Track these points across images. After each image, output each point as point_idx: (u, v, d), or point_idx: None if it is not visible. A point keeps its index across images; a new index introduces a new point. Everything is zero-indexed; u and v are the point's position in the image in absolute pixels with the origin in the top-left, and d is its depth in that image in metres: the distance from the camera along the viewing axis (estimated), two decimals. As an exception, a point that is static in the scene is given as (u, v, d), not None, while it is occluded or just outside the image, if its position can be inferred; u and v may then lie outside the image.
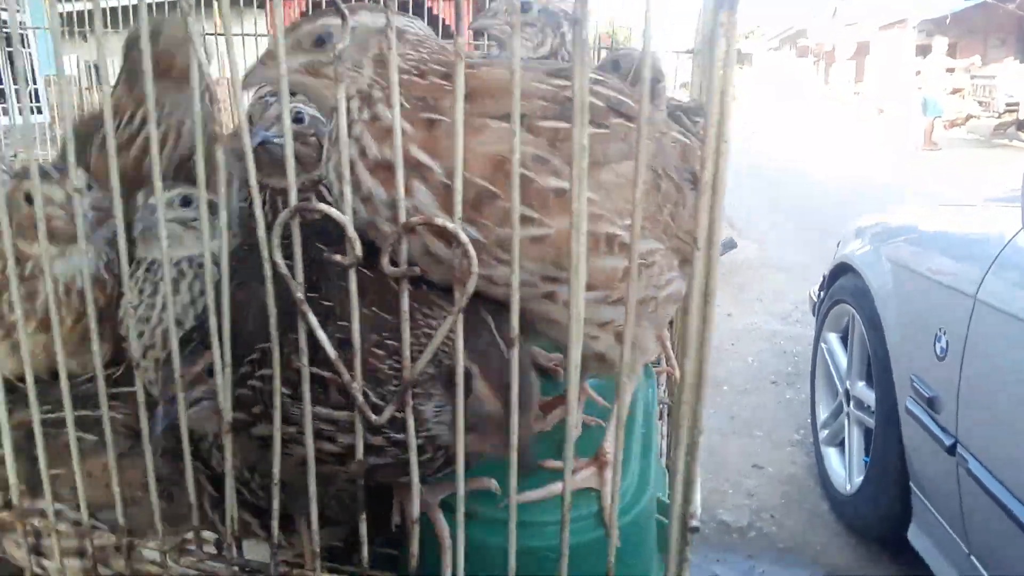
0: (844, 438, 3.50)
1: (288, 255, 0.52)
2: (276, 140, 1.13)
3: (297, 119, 1.20)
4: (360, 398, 0.57)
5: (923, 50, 20.83)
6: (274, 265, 0.53)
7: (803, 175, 12.65)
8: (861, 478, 3.22)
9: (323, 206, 0.51)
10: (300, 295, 0.55)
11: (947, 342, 2.66)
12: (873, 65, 25.75)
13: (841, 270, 3.75)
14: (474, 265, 0.50)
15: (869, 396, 3.25)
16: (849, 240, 3.83)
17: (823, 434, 3.71)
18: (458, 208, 0.50)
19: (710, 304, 0.47)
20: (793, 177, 12.40)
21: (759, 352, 5.34)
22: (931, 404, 2.69)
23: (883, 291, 3.21)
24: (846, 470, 3.41)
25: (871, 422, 3.20)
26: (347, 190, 0.52)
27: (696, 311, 0.49)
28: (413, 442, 0.56)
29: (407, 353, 0.54)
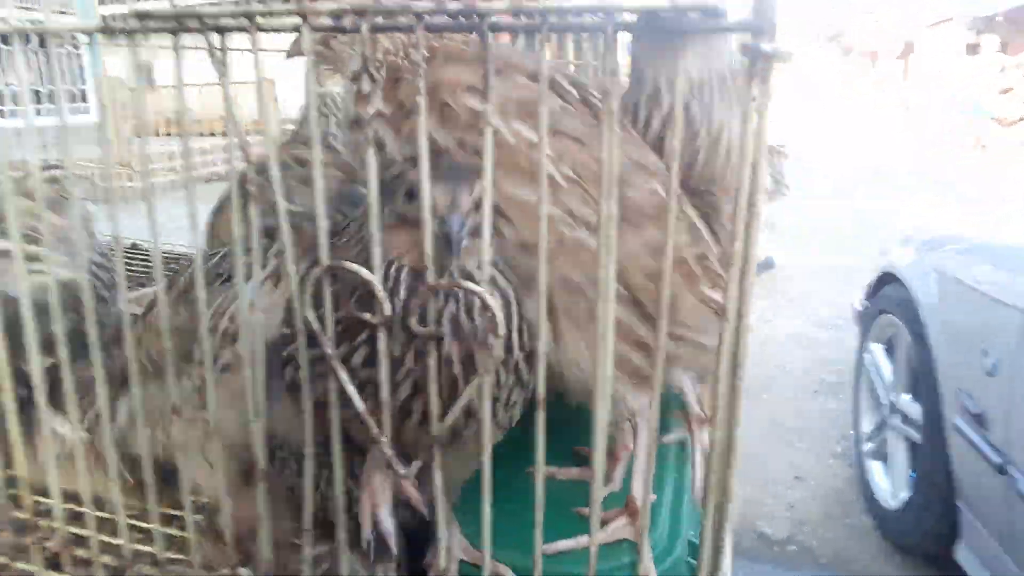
0: (888, 451, 3.42)
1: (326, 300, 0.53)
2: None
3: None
4: (389, 452, 0.57)
5: (972, 49, 20.29)
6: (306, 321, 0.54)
7: (846, 177, 12.41)
8: (906, 493, 3.14)
9: (353, 266, 0.52)
10: (330, 351, 0.55)
11: (997, 357, 2.58)
12: (919, 64, 25.16)
13: (885, 279, 3.67)
14: (500, 329, 0.50)
15: (914, 409, 3.17)
16: (894, 248, 3.74)
17: (866, 447, 3.63)
18: (486, 273, 0.50)
19: (739, 376, 0.46)
20: (836, 179, 12.18)
21: (801, 359, 5.25)
22: (979, 421, 2.62)
23: (929, 302, 3.13)
24: (891, 484, 3.34)
25: (916, 436, 3.12)
26: (377, 251, 0.52)
27: (725, 380, 0.48)
28: (441, 496, 0.56)
29: (435, 411, 0.54)
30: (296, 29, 0.50)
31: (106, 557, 0.85)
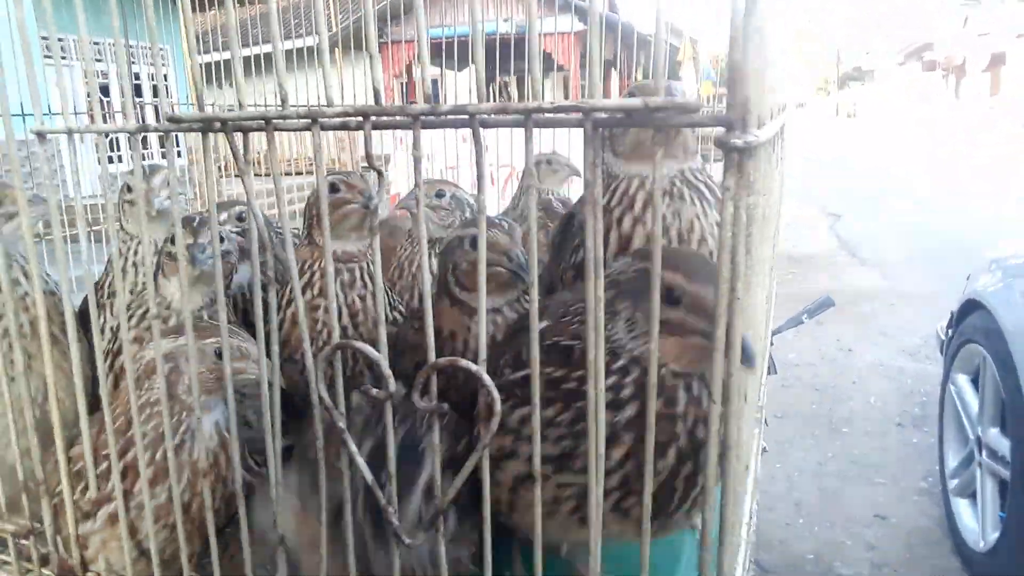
0: (976, 489, 3.24)
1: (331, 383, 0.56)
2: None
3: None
4: (396, 522, 0.59)
5: (1068, 58, 19.24)
6: (320, 398, 0.57)
7: (933, 197, 11.92)
8: (996, 534, 2.96)
9: (360, 344, 0.55)
10: (341, 424, 0.58)
11: (1091, 390, 2.43)
12: (1009, 76, 24.02)
13: (971, 306, 3.50)
14: (497, 405, 0.52)
15: (1003, 445, 3.00)
16: (981, 273, 3.57)
17: (952, 484, 3.45)
18: (483, 352, 0.52)
19: (727, 459, 0.46)
20: (922, 200, 11.71)
21: (883, 391, 5.04)
22: (1074, 458, 2.47)
23: (1017, 330, 2.97)
24: (979, 525, 3.15)
25: (1005, 473, 2.95)
26: (382, 331, 0.55)
27: (712, 467, 0.48)
28: (444, 565, 0.57)
29: (439, 483, 0.56)
30: (307, 128, 0.54)
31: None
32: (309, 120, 0.52)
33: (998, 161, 15.48)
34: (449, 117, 0.50)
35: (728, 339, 0.44)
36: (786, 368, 5.42)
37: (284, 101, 0.53)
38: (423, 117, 0.50)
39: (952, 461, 3.52)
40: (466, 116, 0.49)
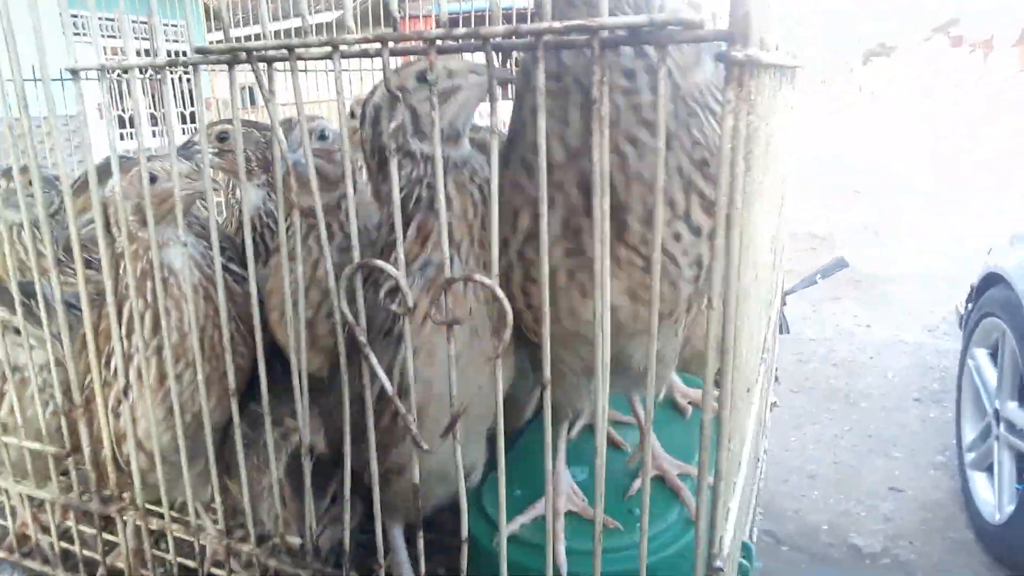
0: (993, 462, 3.24)
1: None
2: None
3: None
4: (414, 428, 0.62)
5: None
6: (342, 313, 0.59)
7: (958, 177, 11.75)
8: (1013, 507, 2.97)
9: (380, 262, 0.57)
10: (363, 339, 0.61)
11: (1111, 362, 2.42)
12: (1040, 51, 23.45)
13: (991, 280, 3.48)
14: (509, 317, 0.54)
15: (1021, 418, 3.00)
16: (1002, 248, 3.54)
17: (969, 457, 3.44)
18: (494, 267, 0.54)
19: (726, 360, 0.48)
20: (946, 179, 11.55)
21: (902, 367, 5.02)
22: (1092, 429, 2.46)
23: (1037, 304, 2.96)
24: (996, 497, 3.16)
25: (1023, 446, 2.95)
26: (400, 250, 0.57)
27: (711, 367, 0.50)
28: (460, 467, 0.60)
29: (454, 391, 0.58)
30: (328, 56, 0.56)
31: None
32: (330, 48, 0.55)
33: (1025, 139, 15.18)
34: (463, 42, 0.52)
35: (727, 247, 0.45)
36: (803, 343, 5.42)
37: (305, 33, 0.55)
38: (439, 42, 0.52)
39: (969, 434, 3.52)
40: (480, 40, 0.51)
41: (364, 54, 0.55)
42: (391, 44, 0.53)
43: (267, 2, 0.53)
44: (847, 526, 3.34)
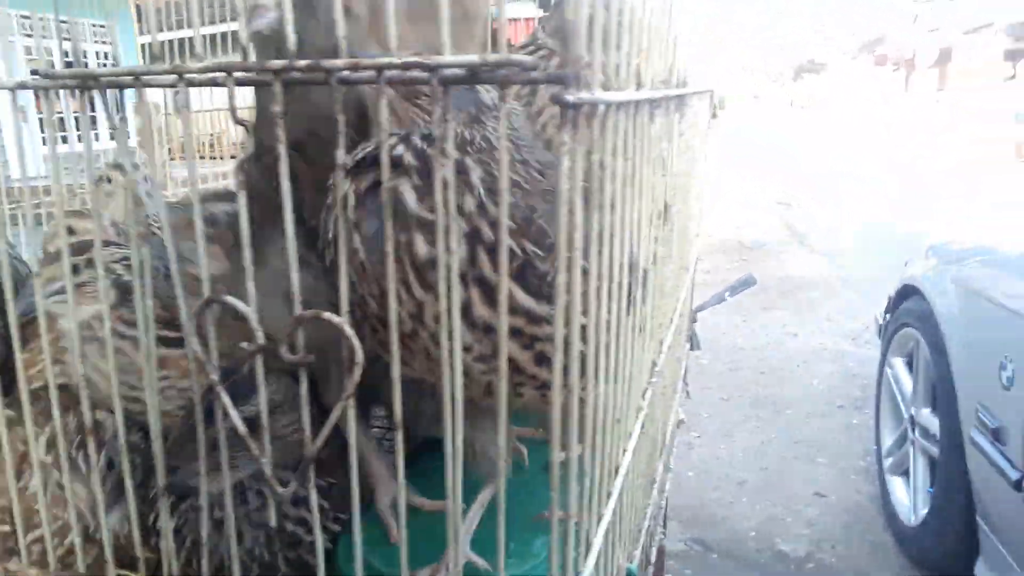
0: (909, 466, 3.37)
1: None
2: None
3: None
4: (268, 471, 0.61)
5: (1012, 55, 19.85)
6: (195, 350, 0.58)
7: (881, 188, 12.20)
8: (926, 509, 3.08)
9: (231, 299, 0.56)
10: (215, 378, 0.59)
11: (1013, 370, 2.54)
12: (956, 72, 24.67)
13: (907, 291, 3.62)
14: (359, 356, 0.53)
15: (934, 424, 3.12)
16: (917, 259, 3.69)
17: (887, 462, 3.57)
18: (344, 303, 0.53)
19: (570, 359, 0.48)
20: (870, 189, 11.98)
21: (827, 375, 5.18)
22: (996, 435, 2.57)
23: (949, 314, 3.08)
24: (911, 500, 3.28)
25: (935, 451, 3.07)
26: (251, 286, 0.56)
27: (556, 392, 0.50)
28: (316, 515, 0.59)
29: (308, 433, 0.57)
30: (173, 85, 0.54)
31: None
32: (175, 76, 0.53)
33: (945, 153, 15.87)
34: (305, 74, 0.51)
35: (568, 289, 0.46)
36: (733, 352, 5.54)
37: (154, 58, 0.54)
38: (283, 74, 0.51)
39: (887, 440, 3.64)
40: (322, 73, 0.50)
41: (213, 83, 0.54)
42: (236, 74, 0.52)
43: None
44: (774, 532, 3.41)
